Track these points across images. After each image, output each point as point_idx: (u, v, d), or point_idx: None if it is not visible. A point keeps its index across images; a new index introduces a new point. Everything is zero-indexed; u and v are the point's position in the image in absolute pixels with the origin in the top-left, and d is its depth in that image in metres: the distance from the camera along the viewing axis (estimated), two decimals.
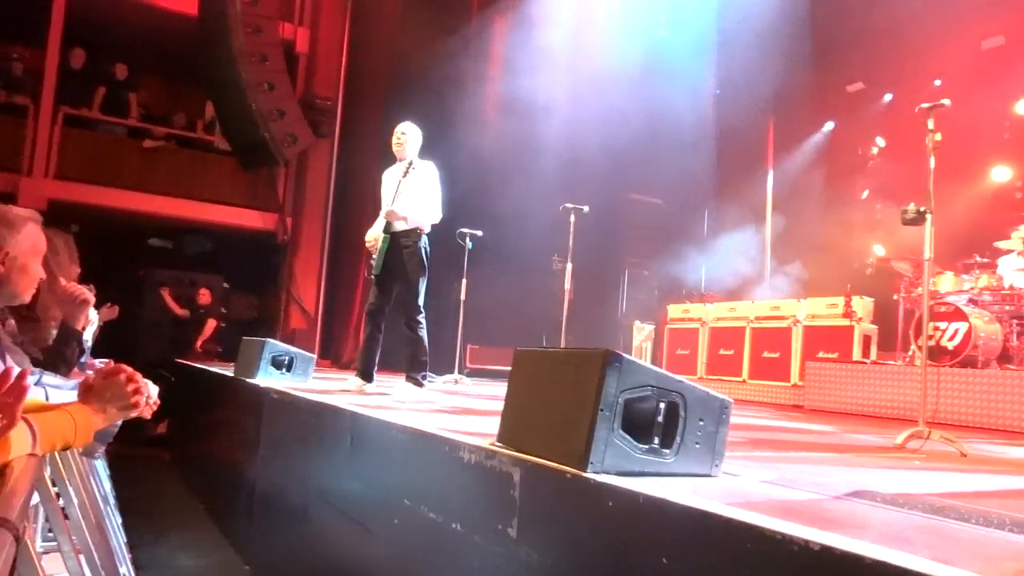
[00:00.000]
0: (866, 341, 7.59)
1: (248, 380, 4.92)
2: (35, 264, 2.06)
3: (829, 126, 11.84)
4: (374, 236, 5.20)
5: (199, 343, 9.66)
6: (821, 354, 7.66)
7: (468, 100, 10.93)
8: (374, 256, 5.16)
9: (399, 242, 5.09)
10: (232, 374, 5.44)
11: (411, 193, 5.12)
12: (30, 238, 2.03)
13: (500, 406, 2.35)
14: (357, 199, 11.17)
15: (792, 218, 11.62)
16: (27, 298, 2.09)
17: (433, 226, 5.31)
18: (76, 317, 2.60)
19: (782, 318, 8.26)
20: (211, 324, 9.87)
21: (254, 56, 9.86)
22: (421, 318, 5.08)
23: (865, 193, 11.07)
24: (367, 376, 5.14)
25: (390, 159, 5.44)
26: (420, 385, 5.02)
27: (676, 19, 11.59)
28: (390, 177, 5.34)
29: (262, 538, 4.23)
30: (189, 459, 7.02)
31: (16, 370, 1.22)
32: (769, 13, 10.84)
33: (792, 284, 10.35)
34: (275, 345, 5.17)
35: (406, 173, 5.11)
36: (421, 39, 10.84)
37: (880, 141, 11.04)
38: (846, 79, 11.19)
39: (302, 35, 11.49)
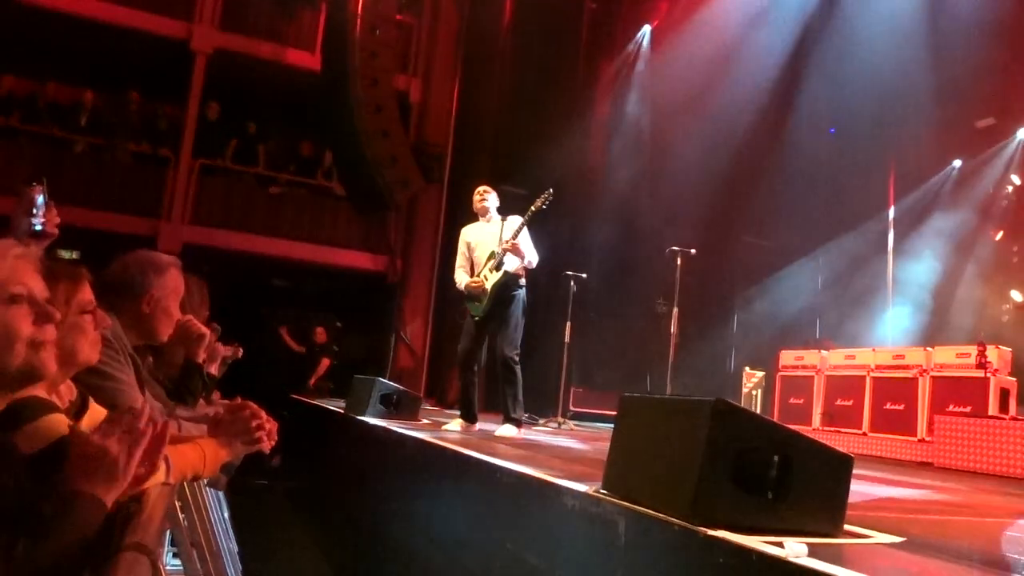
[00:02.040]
0: (1003, 394, 7.00)
1: (358, 417, 5.07)
2: (175, 306, 2.22)
3: (957, 164, 11.19)
4: (480, 278, 5.30)
5: (313, 380, 10.06)
6: (952, 407, 7.12)
7: (575, 143, 11.07)
8: (478, 299, 5.26)
9: (504, 288, 5.22)
10: (343, 410, 5.62)
11: (523, 241, 5.27)
12: (172, 282, 2.20)
13: (604, 451, 2.31)
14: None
15: (918, 261, 10.98)
16: (164, 338, 2.26)
17: (539, 269, 5.43)
18: (195, 352, 2.77)
19: (907, 367, 7.75)
20: (325, 362, 10.27)
21: (371, 106, 10.37)
22: (518, 357, 5.16)
23: (1000, 235, 10.34)
24: (471, 417, 5.22)
25: (500, 202, 5.62)
26: (519, 426, 5.05)
27: (790, 54, 11.34)
28: (481, 230, 5.53)
29: (367, 573, 4.30)
30: (302, 492, 7.26)
31: (160, 421, 1.31)
32: (888, 47, 10.46)
33: (918, 332, 9.74)
34: (384, 384, 5.32)
35: (503, 227, 5.26)
36: (529, 85, 11.11)
37: (1015, 179, 10.33)
38: (975, 114, 10.58)
39: (415, 85, 12.02)
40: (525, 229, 5.32)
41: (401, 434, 4.10)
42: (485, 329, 5.33)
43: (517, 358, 5.17)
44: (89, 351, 1.57)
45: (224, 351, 3.05)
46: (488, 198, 5.53)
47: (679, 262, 6.59)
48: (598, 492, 2.18)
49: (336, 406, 6.24)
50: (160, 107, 11.45)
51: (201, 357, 2.78)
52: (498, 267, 5.22)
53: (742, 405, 1.97)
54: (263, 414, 1.79)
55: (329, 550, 5.35)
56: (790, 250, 11.46)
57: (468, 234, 5.63)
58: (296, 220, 11.40)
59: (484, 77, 11.63)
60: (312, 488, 6.69)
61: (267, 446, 1.88)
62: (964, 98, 10.30)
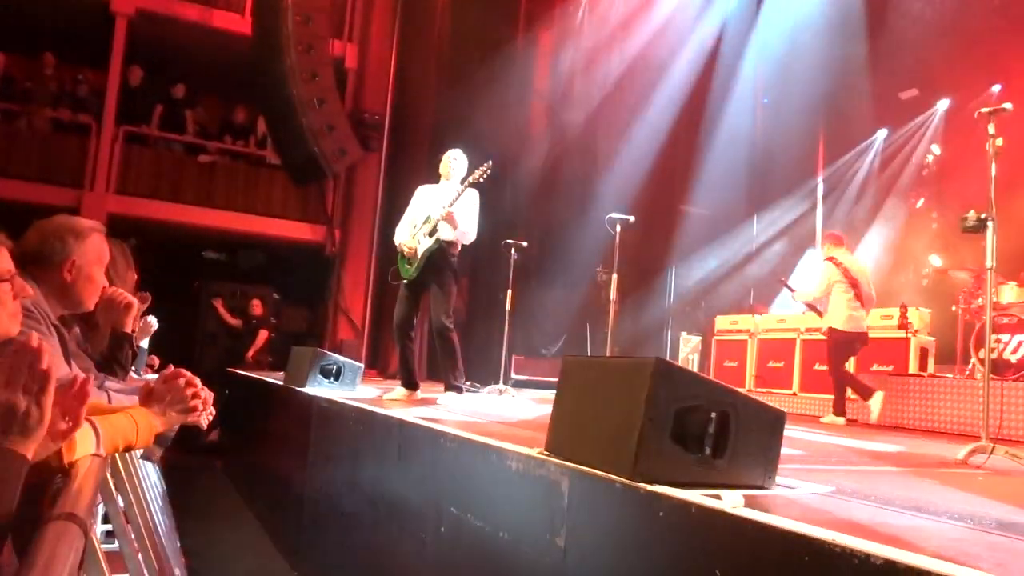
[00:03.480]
0: (923, 354, 7.36)
1: (298, 389, 5.00)
2: (99, 273, 2.13)
3: (882, 134, 11.57)
4: (413, 243, 5.25)
5: (251, 353, 9.87)
6: (875, 367, 7.45)
7: (515, 113, 11.01)
8: (408, 261, 5.23)
9: (447, 251, 5.18)
10: (282, 382, 5.53)
11: (459, 210, 5.23)
12: (95, 248, 2.10)
13: (546, 416, 2.34)
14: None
15: (843, 227, 11.36)
16: (91, 306, 2.17)
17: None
18: (122, 321, 2.67)
19: None
20: (263, 335, 10.08)
21: (305, 73, 10.08)
22: (452, 324, 5.14)
23: (920, 202, 10.77)
24: (412, 384, 5.21)
25: (439, 172, 5.56)
26: (461, 392, 5.07)
27: (723, 26, 11.49)
28: (433, 192, 5.48)
29: (311, 545, 4.28)
30: (240, 466, 7.15)
31: (80, 375, 1.26)
32: (817, 19, 10.69)
33: None
34: (324, 355, 5.25)
35: (458, 197, 5.20)
36: (469, 52, 10.97)
37: (935, 149, 10.75)
38: (899, 86, 10.93)
39: (351, 51, 11.73)
40: (472, 199, 5.28)
41: (342, 404, 4.06)
42: (418, 295, 5.30)
43: (451, 325, 5.13)
44: (8, 322, 1.49)
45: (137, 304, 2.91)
46: (455, 165, 5.43)
47: (618, 230, 6.65)
48: (541, 454, 2.21)
49: (275, 379, 6.13)
50: (79, 72, 10.88)
51: (129, 327, 2.69)
52: (431, 232, 5.18)
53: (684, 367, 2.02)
54: (198, 382, 1.74)
55: (270, 523, 5.30)
56: (726, 218, 11.71)
57: (421, 192, 5.60)
58: (229, 190, 11.06)
59: (422, 44, 11.43)
60: (252, 462, 6.59)
61: (203, 421, 1.83)
62: (889, 70, 10.62)
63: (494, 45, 11.21)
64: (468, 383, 7.80)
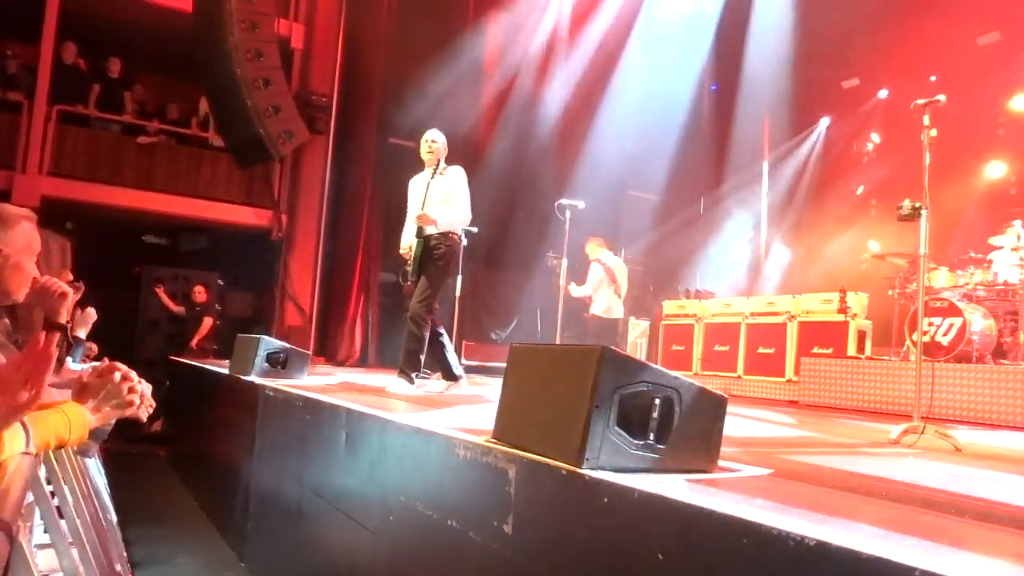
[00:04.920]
0: (861, 337, 7.61)
1: (243, 377, 4.91)
2: (29, 263, 2.05)
3: (825, 122, 11.85)
4: (408, 244, 5.27)
5: (195, 341, 9.65)
6: (816, 349, 7.67)
7: (465, 96, 10.93)
8: (409, 264, 5.23)
9: (431, 245, 5.16)
10: (227, 371, 5.43)
11: (441, 197, 5.20)
12: (24, 236, 2.02)
13: (496, 402, 2.35)
14: (353, 195, 11.18)
15: (787, 215, 11.64)
16: (20, 297, 2.08)
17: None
18: (56, 311, 2.58)
19: (777, 314, 8.28)
20: (207, 322, 9.86)
21: (249, 52, 9.82)
22: (426, 315, 5.10)
23: (860, 189, 11.09)
24: (450, 376, 5.28)
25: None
26: (411, 382, 5.04)
27: (672, 14, 11.59)
28: (418, 183, 5.44)
29: (257, 535, 4.23)
30: (185, 456, 7.01)
31: (42, 338, 1.21)
32: (764, 8, 10.86)
33: (787, 280, 10.37)
34: (270, 342, 5.16)
35: (437, 178, 5.16)
36: (417, 34, 10.84)
37: (875, 137, 11.06)
38: (841, 75, 11.20)
39: (297, 31, 11.46)
40: (454, 180, 5.23)
41: (288, 392, 4.00)
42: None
43: (424, 313, 5.09)
44: None
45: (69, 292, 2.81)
46: (434, 148, 5.32)
47: (568, 215, 6.68)
48: (488, 441, 2.22)
49: (220, 367, 6.01)
50: (8, 47, 10.39)
51: (63, 317, 2.59)
52: (419, 233, 5.15)
53: (628, 353, 2.04)
54: (134, 376, 1.69)
55: (216, 513, 5.22)
56: (673, 203, 11.87)
57: (411, 185, 5.53)
58: (171, 173, 10.73)
59: (371, 25, 11.24)
60: (197, 452, 6.46)
61: (143, 414, 1.78)
62: (832, 60, 10.87)
63: (443, 27, 11.10)
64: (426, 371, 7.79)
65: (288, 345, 5.33)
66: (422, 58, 10.53)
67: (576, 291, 7.99)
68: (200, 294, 10.02)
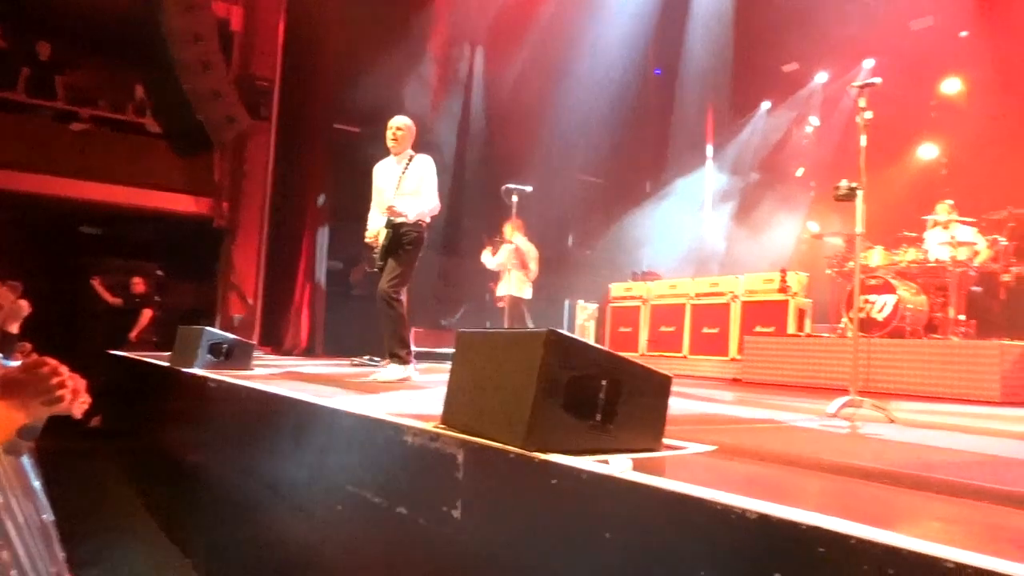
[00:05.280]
0: (801, 315, 7.82)
1: (185, 370, 4.79)
2: None
3: (766, 105, 12.08)
4: (375, 231, 5.19)
5: (134, 334, 9.37)
6: (758, 328, 7.86)
7: (412, 79, 10.80)
8: (376, 251, 5.17)
9: (402, 233, 5.11)
10: (169, 364, 5.29)
11: (411, 187, 5.15)
12: None
13: (444, 388, 2.34)
14: (299, 182, 10.96)
15: (731, 196, 11.86)
16: None
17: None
18: None
19: (721, 294, 8.44)
20: (146, 314, 9.58)
21: (187, 36, 9.50)
22: (398, 296, 5.09)
23: (800, 171, 11.35)
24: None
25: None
26: (403, 362, 4.99)
27: None
28: (386, 170, 5.35)
29: (204, 530, 4.15)
30: (127, 452, 6.82)
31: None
32: None
33: (731, 260, 10.58)
34: (212, 333, 5.05)
35: (407, 168, 5.10)
36: (363, 17, 10.64)
37: (814, 120, 11.32)
38: (781, 59, 11.42)
39: (236, 13, 11.12)
40: (423, 168, 5.18)
41: (233, 384, 3.92)
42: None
43: (395, 294, 5.07)
44: None
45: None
46: (400, 136, 5.23)
47: (515, 200, 6.68)
48: (437, 427, 2.21)
49: (162, 359, 5.85)
50: None
51: None
52: (388, 223, 5.10)
53: (576, 336, 2.05)
54: (64, 371, 1.62)
55: (161, 510, 5.09)
56: (620, 186, 11.97)
57: (376, 172, 5.45)
58: (107, 160, 10.32)
59: (314, 7, 10.96)
60: (139, 447, 6.29)
61: (77, 410, 1.71)
62: (772, 44, 11.07)
63: (390, 9, 10.92)
64: (367, 357, 7.71)
65: (232, 336, 5.22)
66: (368, 41, 10.35)
67: (488, 260, 8.31)
68: (138, 285, 9.73)
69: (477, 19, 11.75)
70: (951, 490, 1.75)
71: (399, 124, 5.28)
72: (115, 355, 7.78)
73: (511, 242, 8.17)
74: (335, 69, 10.69)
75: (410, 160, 5.18)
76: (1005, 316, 6.91)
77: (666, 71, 12.28)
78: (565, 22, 11.26)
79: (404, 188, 5.13)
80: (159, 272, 10.64)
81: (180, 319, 8.44)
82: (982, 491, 1.75)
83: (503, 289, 8.34)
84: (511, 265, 8.19)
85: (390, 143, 5.26)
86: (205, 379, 4.32)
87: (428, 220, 5.27)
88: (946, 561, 1.06)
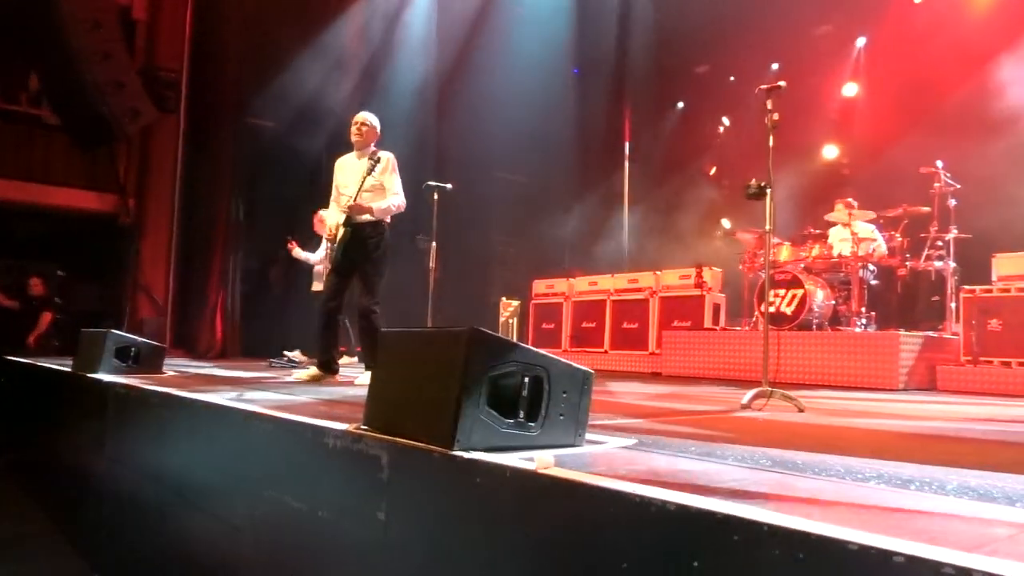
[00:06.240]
0: (716, 309, 8.10)
1: (89, 375, 4.56)
2: None
3: (680, 106, 12.41)
4: (335, 224, 5.09)
5: (33, 337, 8.86)
6: (675, 323, 8.09)
7: (327, 74, 10.58)
8: (332, 245, 5.10)
9: (364, 233, 5.03)
10: (71, 369, 5.02)
11: (378, 186, 5.07)
12: None
13: (366, 389, 2.30)
14: (210, 178, 10.57)
15: (648, 194, 12.14)
16: None
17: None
18: None
19: (640, 290, 8.65)
20: (46, 317, 9.08)
21: (85, 23, 9.03)
22: (377, 308, 5.05)
23: (713, 170, 11.73)
24: (331, 368, 5.10)
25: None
26: None
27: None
28: (349, 166, 5.26)
29: (112, 542, 3.96)
30: (26, 464, 6.44)
31: None
32: None
33: (649, 257, 10.83)
34: (119, 336, 4.81)
35: (372, 168, 5.00)
36: (274, 6, 10.35)
37: (725, 120, 11.71)
38: (695, 61, 11.76)
39: (139, 1, 10.64)
40: (388, 166, 5.11)
41: (142, 389, 3.76)
42: (343, 275, 5.14)
43: (375, 307, 5.03)
44: None
45: None
46: (364, 131, 5.15)
47: (436, 197, 6.64)
48: (359, 429, 2.18)
49: (64, 365, 5.55)
50: None
51: None
52: (348, 221, 5.00)
53: (500, 333, 2.06)
54: None
55: (65, 522, 4.84)
56: (541, 184, 12.07)
57: (338, 167, 5.34)
58: None
59: None
60: (41, 457, 5.95)
61: None
62: (686, 47, 11.38)
63: (304, 3, 10.66)
64: (284, 358, 7.53)
65: (140, 338, 4.99)
66: (280, 32, 10.07)
67: (301, 254, 8.03)
68: (36, 286, 9.21)
69: (394, 11, 11.60)
70: (852, 475, 1.85)
71: (363, 119, 5.22)
72: (11, 360, 7.33)
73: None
74: (246, 60, 10.36)
75: (373, 157, 5.09)
76: (902, 308, 7.34)
77: (584, 71, 12.45)
78: (483, 17, 11.27)
79: (368, 184, 5.04)
80: (60, 273, 10.08)
81: (83, 322, 8.03)
82: (883, 475, 1.86)
83: (320, 286, 8.12)
84: (324, 260, 8.13)
85: (354, 138, 5.20)
86: (112, 384, 4.13)
87: (389, 220, 5.21)
88: (849, 543, 1.12)
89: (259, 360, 8.20)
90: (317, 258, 8.01)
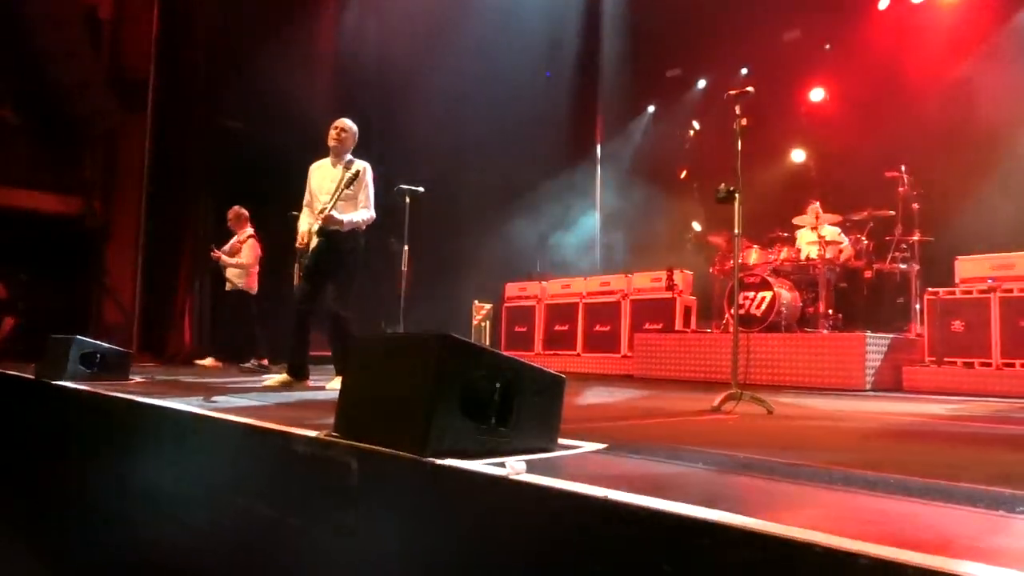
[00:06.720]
0: (687, 311, 8.17)
1: (53, 382, 4.47)
2: None
3: (651, 109, 12.50)
4: (307, 231, 5.04)
5: None
6: (647, 325, 8.14)
7: (297, 73, 10.49)
8: (306, 253, 5.02)
9: (337, 242, 5.00)
10: (34, 376, 4.91)
11: (351, 196, 5.03)
12: None
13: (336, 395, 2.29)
14: (178, 179, 10.40)
15: (619, 197, 12.21)
16: None
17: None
18: None
19: (612, 292, 8.69)
20: (8, 322, 8.87)
21: (49, 22, 8.86)
22: (347, 313, 5.06)
23: (684, 173, 11.82)
24: (301, 373, 5.03)
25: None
26: None
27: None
28: (324, 173, 5.22)
29: (77, 551, 3.88)
30: None
31: None
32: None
33: (620, 260, 10.89)
34: (84, 342, 4.72)
35: (348, 178, 4.95)
36: (245, 8, 10.23)
37: (696, 124, 11.81)
38: (666, 65, 11.85)
39: (105, 1, 10.46)
40: (364, 176, 5.07)
41: (109, 396, 3.69)
42: (315, 282, 5.06)
43: (344, 313, 5.03)
44: None
45: None
46: (344, 137, 5.11)
47: (408, 200, 6.61)
48: (329, 435, 2.16)
49: (26, 372, 5.43)
50: None
51: None
52: (321, 232, 4.96)
53: (472, 337, 2.06)
54: None
55: (28, 531, 4.73)
56: (515, 186, 12.07)
57: (313, 173, 5.29)
58: None
59: None
60: (2, 466, 5.81)
61: None
62: (657, 50, 11.47)
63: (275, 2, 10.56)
64: (254, 363, 7.44)
65: (106, 344, 4.90)
66: (253, 33, 9.95)
67: (229, 261, 8.09)
68: None
69: (368, 10, 11.55)
70: (820, 480, 1.87)
71: (343, 126, 5.19)
72: None
73: (256, 237, 8.21)
74: (216, 59, 10.23)
75: (349, 165, 5.06)
76: (868, 309, 7.47)
77: (556, 74, 12.47)
78: (454, 17, 11.25)
79: (343, 197, 4.99)
80: (22, 276, 9.86)
81: (48, 327, 7.86)
82: (850, 477, 1.88)
83: (249, 284, 8.22)
84: (256, 261, 8.21)
85: (331, 143, 5.16)
86: (77, 392, 4.05)
87: (363, 228, 5.19)
88: (816, 545, 1.13)
89: (229, 365, 8.10)
90: (248, 259, 8.11)
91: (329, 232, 4.99)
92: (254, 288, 8.19)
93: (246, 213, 8.33)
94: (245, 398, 3.92)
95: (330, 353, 5.32)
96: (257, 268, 8.22)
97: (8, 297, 9.09)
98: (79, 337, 4.76)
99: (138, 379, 5.06)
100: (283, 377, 5.08)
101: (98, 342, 4.89)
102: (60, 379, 4.47)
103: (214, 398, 3.80)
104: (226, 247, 8.14)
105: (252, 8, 10.18)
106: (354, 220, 5.07)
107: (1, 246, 10.45)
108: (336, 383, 4.88)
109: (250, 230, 8.27)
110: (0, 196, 9.68)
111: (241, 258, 8.10)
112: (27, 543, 4.60)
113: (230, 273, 8.12)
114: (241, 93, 9.59)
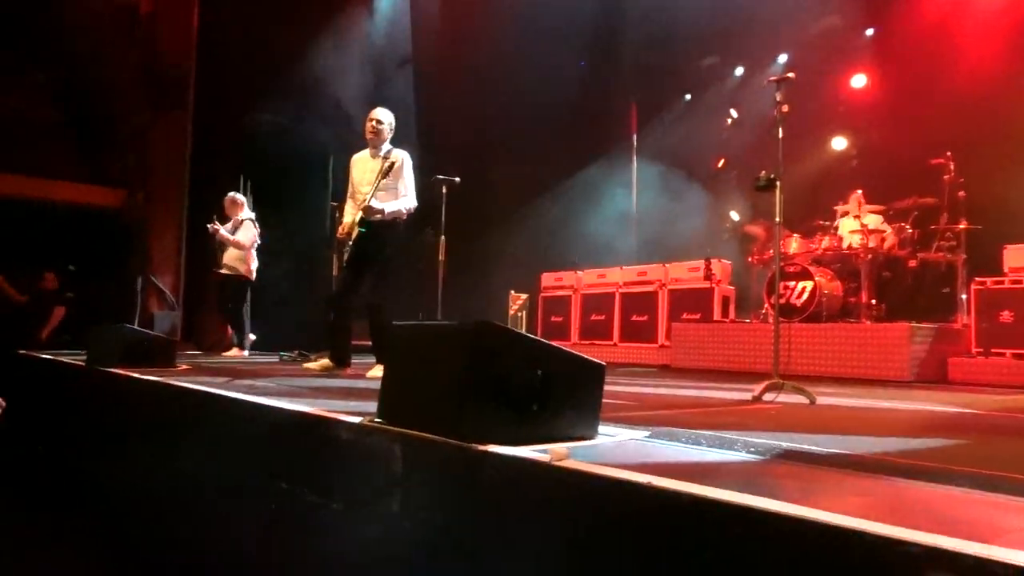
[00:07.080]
0: (725, 301, 8.08)
1: (104, 369, 4.60)
2: None
3: (687, 98, 12.35)
4: (349, 222, 5.12)
5: (45, 332, 8.92)
6: (685, 315, 8.07)
7: (337, 63, 10.58)
8: (347, 247, 5.13)
9: (379, 232, 5.08)
10: (84, 363, 5.06)
11: (391, 186, 5.09)
12: None
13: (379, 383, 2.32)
14: (221, 171, 10.58)
15: (656, 186, 12.09)
16: None
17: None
18: None
19: (649, 283, 8.63)
20: (58, 312, 9.13)
21: (90, 20, 9.05)
22: (383, 303, 5.15)
23: (721, 162, 11.67)
24: (343, 361, 5.17)
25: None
26: None
27: None
28: (364, 164, 5.28)
29: (130, 538, 3.99)
30: (36, 460, 6.49)
31: None
32: None
33: (657, 250, 10.80)
34: (131, 330, 4.86)
35: (385, 169, 5.01)
36: (283, 2, 10.35)
37: (733, 112, 11.64)
38: (701, 53, 11.69)
39: None
40: (404, 165, 5.13)
41: (156, 383, 3.79)
42: (357, 272, 5.16)
43: (380, 302, 5.12)
44: None
45: None
46: (380, 128, 5.15)
47: (444, 191, 6.65)
48: (372, 422, 2.19)
49: (76, 359, 5.59)
50: None
51: None
52: (363, 222, 5.04)
53: (508, 326, 2.07)
54: None
55: (75, 518, 4.88)
56: (550, 176, 12.04)
57: (354, 164, 5.37)
58: (4, 150, 9.76)
59: None
60: (50, 454, 5.99)
61: None
62: (693, 38, 11.31)
63: None
64: (296, 352, 7.56)
65: (151, 332, 5.04)
66: (292, 26, 10.06)
67: (227, 236, 7.93)
68: (49, 281, 9.26)
69: (400, 7, 11.60)
70: (866, 467, 1.85)
71: (379, 116, 5.22)
72: (24, 355, 7.39)
73: (253, 221, 8.14)
74: (256, 54, 10.36)
75: (388, 155, 5.11)
76: (912, 299, 7.30)
77: (591, 63, 12.39)
78: (494, 8, 11.24)
79: (381, 185, 5.04)
80: (71, 268, 10.15)
81: (95, 317, 8.08)
82: (895, 467, 1.86)
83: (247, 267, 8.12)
84: (253, 243, 8.11)
85: (368, 135, 5.21)
86: (127, 378, 4.16)
87: (404, 217, 5.24)
88: (865, 533, 1.12)
89: (270, 354, 8.24)
90: (246, 240, 7.99)
91: (371, 222, 5.04)
92: (252, 275, 8.12)
93: (241, 199, 8.29)
94: (290, 385, 3.99)
95: (369, 342, 5.39)
96: (254, 255, 8.17)
97: (58, 288, 9.35)
98: (127, 325, 4.89)
99: (184, 366, 5.18)
100: (325, 362, 5.17)
101: (144, 330, 5.02)
102: (109, 366, 4.60)
103: (259, 384, 3.88)
104: (228, 225, 8.12)
105: (289, 1, 10.28)
106: (395, 209, 5.10)
107: (50, 238, 10.76)
108: (377, 371, 4.94)
109: (248, 212, 8.23)
110: (46, 190, 9.95)
111: (239, 236, 8.01)
112: (83, 531, 4.74)
113: (228, 257, 8.03)
114: (280, 89, 9.70)
